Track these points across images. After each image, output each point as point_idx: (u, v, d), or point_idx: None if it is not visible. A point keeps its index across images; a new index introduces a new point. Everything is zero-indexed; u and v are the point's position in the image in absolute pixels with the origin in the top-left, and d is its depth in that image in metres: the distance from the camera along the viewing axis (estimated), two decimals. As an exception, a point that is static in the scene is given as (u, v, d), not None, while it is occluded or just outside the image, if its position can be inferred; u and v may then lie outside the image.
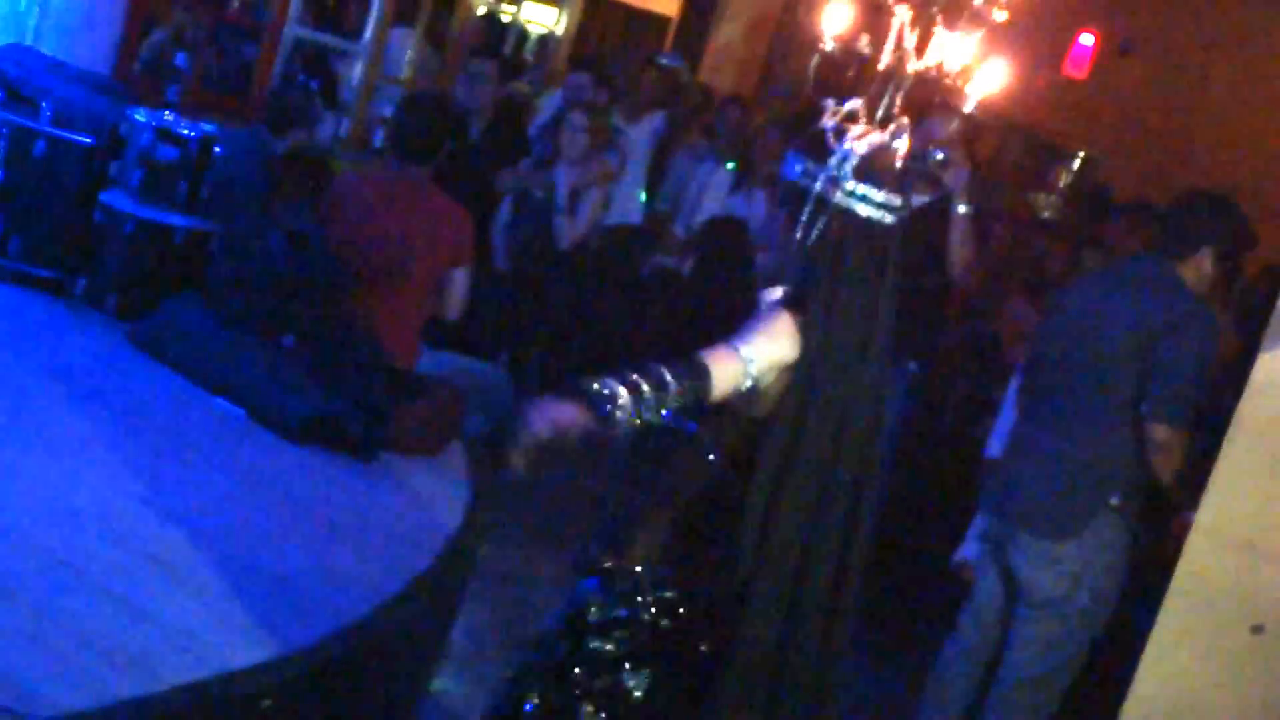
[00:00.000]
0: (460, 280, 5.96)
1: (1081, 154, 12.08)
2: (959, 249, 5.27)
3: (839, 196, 2.68)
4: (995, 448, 5.17)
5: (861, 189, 2.65)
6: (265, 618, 3.78)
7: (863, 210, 2.69)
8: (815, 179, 2.72)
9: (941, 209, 5.34)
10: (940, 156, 5.25)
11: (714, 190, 7.46)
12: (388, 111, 8.57)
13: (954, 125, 5.30)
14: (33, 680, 3.13)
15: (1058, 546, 4.70)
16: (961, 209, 5.30)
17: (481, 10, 9.06)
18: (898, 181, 2.78)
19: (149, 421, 5.05)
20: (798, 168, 2.76)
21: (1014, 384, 5.07)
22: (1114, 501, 4.67)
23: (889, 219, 2.70)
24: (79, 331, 5.86)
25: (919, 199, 5.21)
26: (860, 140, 2.78)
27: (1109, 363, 4.67)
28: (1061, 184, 11.55)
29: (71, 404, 4.96)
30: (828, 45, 2.97)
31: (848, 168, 2.67)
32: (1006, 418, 5.10)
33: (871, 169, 2.70)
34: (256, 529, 4.41)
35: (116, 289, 5.99)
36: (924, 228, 5.22)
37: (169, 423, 5.11)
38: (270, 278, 6.03)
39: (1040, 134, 11.62)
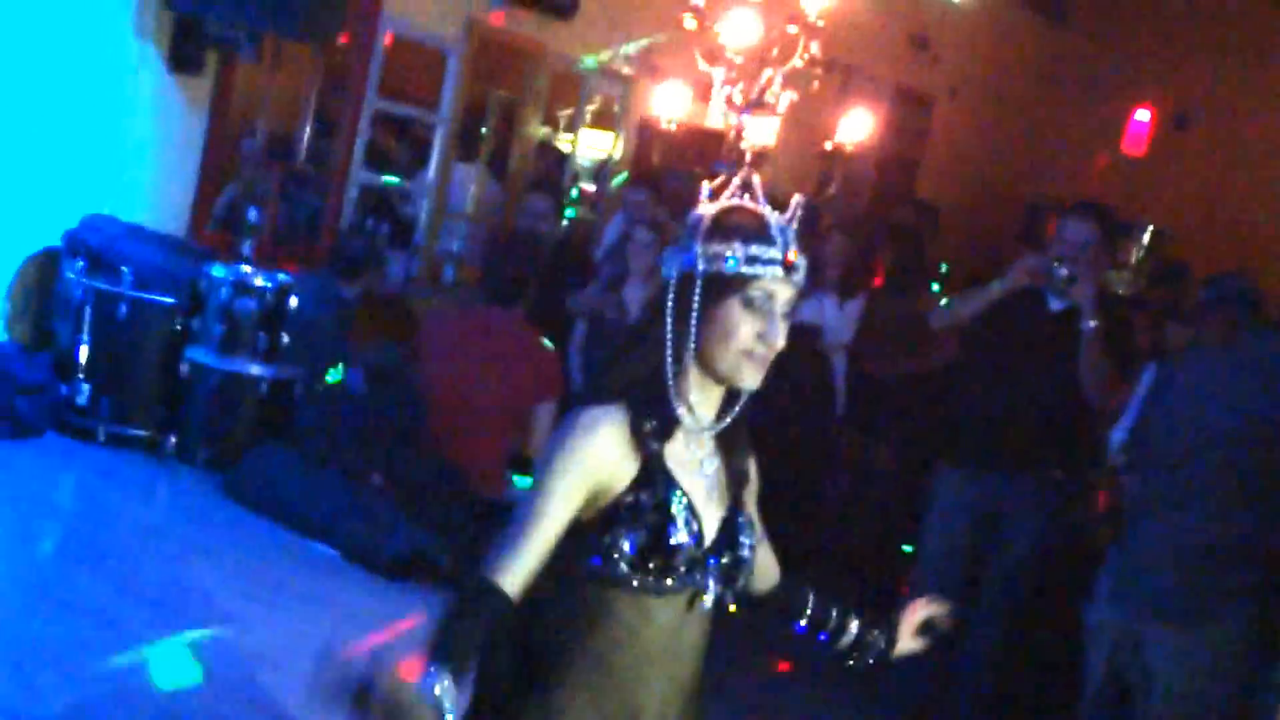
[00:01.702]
0: (545, 414, 5.97)
1: (1151, 227, 12.02)
2: (1089, 368, 5.00)
3: (701, 264, 2.26)
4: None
5: (717, 249, 2.25)
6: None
7: (729, 270, 2.25)
8: (672, 262, 2.32)
9: (1073, 319, 5.07)
10: (1064, 272, 4.98)
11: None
12: (455, 247, 8.73)
13: (1090, 231, 5.04)
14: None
15: (1189, 634, 4.51)
16: (1091, 324, 5.00)
17: (538, 142, 9.23)
18: (763, 232, 2.27)
19: (244, 569, 5.10)
20: (665, 263, 2.37)
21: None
22: (1247, 583, 4.48)
23: (765, 273, 2.27)
24: (172, 487, 5.96)
25: (1058, 304, 5.07)
26: (706, 206, 2.34)
27: (1235, 442, 4.52)
28: (1134, 259, 11.48)
29: (168, 558, 5.04)
30: (670, 127, 2.64)
31: (699, 231, 2.29)
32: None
33: (726, 226, 2.28)
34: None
35: (205, 442, 6.10)
36: (1059, 335, 5.06)
37: (264, 568, 5.16)
38: (353, 418, 6.12)
39: (1108, 209, 11.59)
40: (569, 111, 9.72)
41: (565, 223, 8.49)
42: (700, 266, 2.26)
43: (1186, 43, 12.56)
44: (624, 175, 9.36)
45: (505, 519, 2.25)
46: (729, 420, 2.37)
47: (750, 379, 2.31)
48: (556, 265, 7.40)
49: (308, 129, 7.86)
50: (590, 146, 9.99)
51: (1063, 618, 5.51)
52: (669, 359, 2.27)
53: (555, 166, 9.48)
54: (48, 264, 6.43)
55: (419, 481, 5.79)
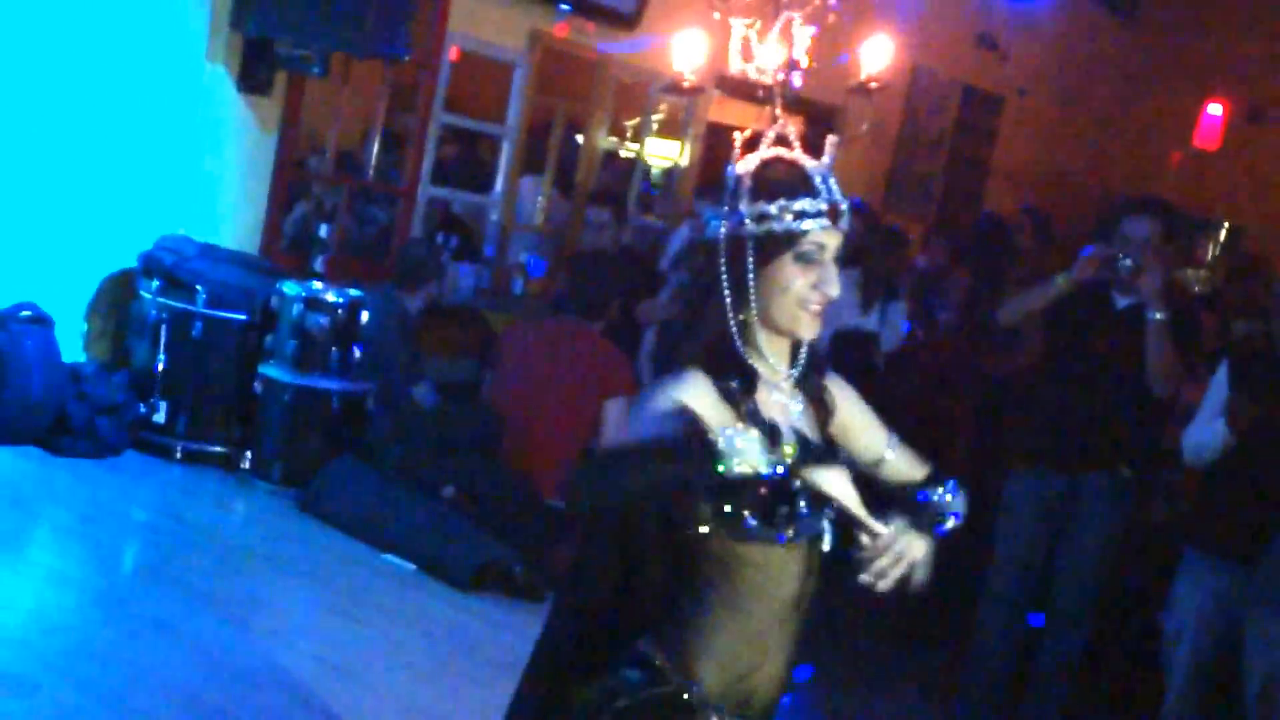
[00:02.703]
0: (616, 409, 5.91)
1: (1226, 224, 11.83)
2: (1155, 360, 4.95)
3: (749, 225, 2.26)
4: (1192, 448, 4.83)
5: (764, 208, 2.24)
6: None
7: (779, 227, 2.25)
8: (719, 224, 2.31)
9: (1139, 315, 5.03)
10: (1129, 263, 4.96)
11: (843, 302, 7.41)
12: (524, 258, 8.77)
13: (1150, 227, 5.03)
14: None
15: None
16: (1157, 316, 4.96)
17: (604, 153, 9.24)
18: (806, 185, 2.27)
19: (322, 583, 5.16)
20: (707, 226, 2.35)
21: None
22: None
23: (814, 226, 2.26)
24: (248, 503, 6.04)
25: (1124, 300, 5.02)
26: (743, 162, 2.32)
27: None
28: (1209, 257, 11.32)
29: (246, 573, 5.11)
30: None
31: (743, 191, 2.28)
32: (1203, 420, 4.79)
33: (768, 183, 2.27)
34: (434, 679, 4.46)
35: (281, 458, 6.18)
36: (1126, 332, 5.02)
37: (341, 581, 5.21)
38: (426, 431, 6.17)
39: (1180, 209, 11.43)
40: (635, 121, 9.73)
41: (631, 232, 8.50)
42: (749, 227, 2.27)
43: (1259, 35, 12.37)
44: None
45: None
46: (802, 366, 2.39)
47: (809, 329, 2.33)
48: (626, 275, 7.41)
49: (376, 145, 7.92)
50: (657, 155, 9.99)
51: (1138, 620, 5.45)
52: (732, 320, 2.29)
53: (620, 177, 9.49)
54: (124, 284, 6.54)
55: (492, 493, 5.82)
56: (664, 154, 9.96)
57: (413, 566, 5.40)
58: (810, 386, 2.42)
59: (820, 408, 2.43)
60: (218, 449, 6.31)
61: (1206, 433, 4.79)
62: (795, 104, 2.47)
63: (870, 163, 11.15)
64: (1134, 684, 5.49)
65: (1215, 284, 9.96)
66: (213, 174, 6.88)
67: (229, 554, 5.32)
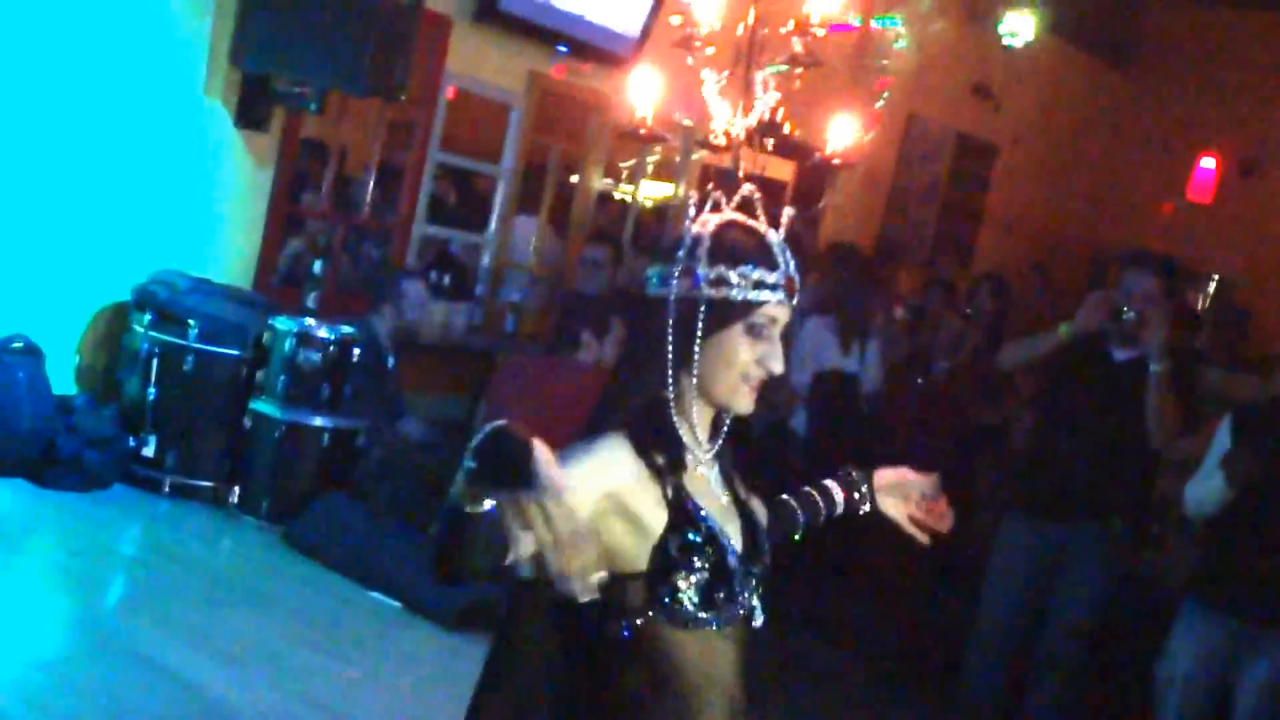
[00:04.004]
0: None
1: (1216, 277, 11.88)
2: (1157, 412, 4.95)
3: (705, 289, 2.18)
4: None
5: (721, 273, 2.17)
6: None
7: (737, 295, 2.18)
8: (671, 283, 2.21)
9: (1138, 368, 5.04)
10: (1133, 315, 4.96)
11: (823, 345, 7.44)
12: (516, 297, 8.77)
13: (1151, 281, 5.04)
14: None
15: None
16: (1158, 368, 4.96)
17: (598, 194, 9.28)
18: (766, 255, 2.20)
19: (307, 620, 5.13)
20: (656, 280, 2.25)
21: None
22: None
23: (770, 298, 2.20)
24: (236, 537, 6.01)
25: (1122, 355, 5.03)
26: (701, 222, 2.23)
27: None
28: (1199, 309, 11.35)
29: (232, 608, 5.08)
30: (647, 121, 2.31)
31: (700, 253, 2.20)
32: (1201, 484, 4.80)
33: (728, 247, 2.20)
34: (416, 718, 4.43)
35: (269, 493, 6.16)
36: (1124, 384, 5.03)
37: (327, 619, 5.19)
38: (415, 468, 6.15)
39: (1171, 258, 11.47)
40: (631, 163, 9.76)
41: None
42: (705, 291, 2.20)
43: (1252, 89, 12.46)
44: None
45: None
46: (722, 440, 2.32)
47: (745, 404, 2.25)
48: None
49: (371, 182, 7.94)
50: (651, 198, 10.02)
51: (1129, 671, 5.43)
52: (670, 387, 2.22)
53: (614, 218, 9.52)
54: (117, 317, 6.53)
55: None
56: (658, 196, 10.00)
57: (398, 604, 5.38)
58: (726, 458, 2.36)
59: (732, 476, 2.37)
60: (206, 483, 6.29)
61: (1207, 487, 4.80)
62: (786, 150, 2.45)
63: (864, 208, 11.20)
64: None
65: (1205, 337, 9.98)
66: (208, 208, 6.89)
67: (215, 589, 5.29)
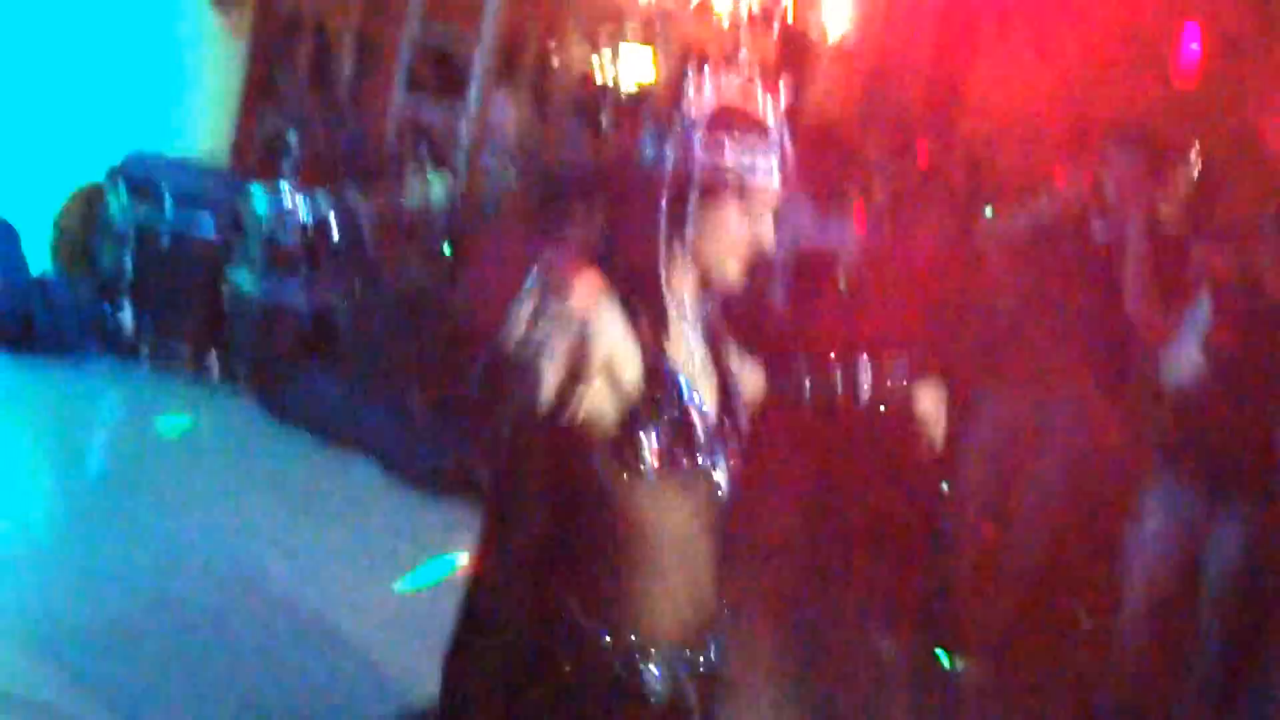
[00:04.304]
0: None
1: (1199, 163, 11.82)
2: (1135, 289, 4.96)
3: (701, 158, 2.19)
4: None
5: (716, 147, 2.19)
6: (410, 669, 3.83)
7: (731, 170, 2.19)
8: (667, 151, 2.22)
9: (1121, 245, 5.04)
10: (1113, 191, 4.96)
11: (789, 217, 7.38)
12: (493, 172, 8.69)
13: (1135, 158, 5.02)
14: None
15: None
16: (1134, 245, 4.95)
17: (579, 69, 9.17)
18: (763, 129, 2.22)
19: (286, 485, 5.16)
20: (650, 147, 2.29)
21: None
22: None
23: (765, 175, 2.22)
24: (215, 407, 6.02)
25: (1104, 235, 5.03)
26: (702, 93, 2.24)
27: None
28: (1181, 185, 11.31)
29: (211, 474, 5.10)
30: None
31: (699, 123, 2.21)
32: None
33: (727, 122, 2.21)
34: (394, 578, 4.48)
35: (247, 364, 6.17)
36: (1107, 262, 5.05)
37: (307, 485, 5.22)
38: (392, 337, 6.17)
39: (1153, 145, 11.41)
40: (610, 29, 9.61)
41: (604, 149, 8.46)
42: (701, 163, 2.21)
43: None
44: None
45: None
46: (713, 306, 2.35)
47: (733, 274, 2.28)
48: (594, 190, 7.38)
49: (348, 56, 7.84)
50: (631, 67, 9.89)
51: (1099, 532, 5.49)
52: (663, 254, 2.23)
53: (594, 94, 9.42)
54: (94, 195, 6.49)
55: (459, 399, 5.82)
56: (639, 64, 9.87)
57: (378, 472, 5.41)
58: (714, 322, 2.39)
59: (719, 340, 2.40)
60: (185, 354, 6.30)
61: (1184, 358, 4.83)
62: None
63: (843, 88, 11.11)
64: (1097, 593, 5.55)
65: (1186, 216, 9.98)
66: (183, 86, 6.81)
67: (195, 458, 5.31)
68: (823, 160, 7.54)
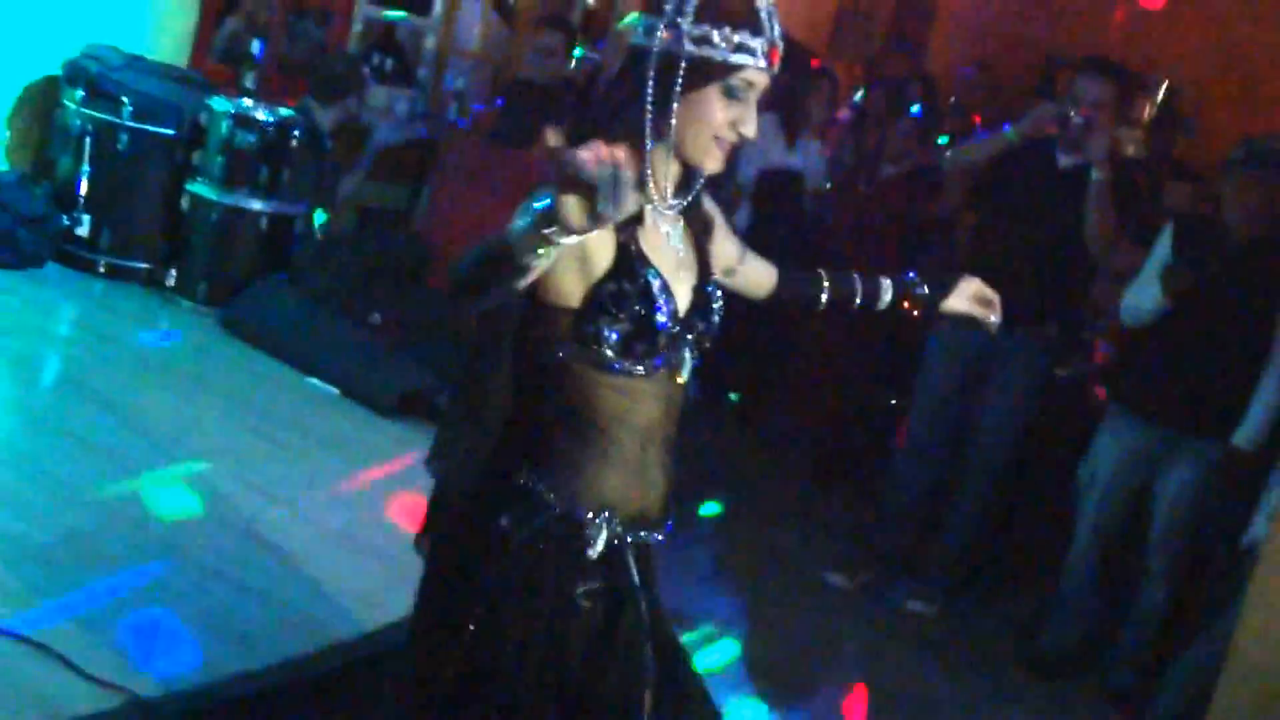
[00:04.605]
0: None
1: (1165, 83, 11.79)
2: (1095, 220, 4.97)
3: (687, 46, 2.17)
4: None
5: (705, 32, 2.16)
6: (367, 588, 3.85)
7: (717, 56, 2.16)
8: (655, 35, 2.19)
9: (1081, 175, 5.03)
10: (1080, 121, 4.95)
11: (769, 141, 7.36)
12: (460, 84, 8.61)
13: (1104, 88, 5.02)
14: (140, 657, 3.22)
15: None
16: (1100, 177, 4.97)
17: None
18: (753, 19, 2.19)
19: (244, 403, 5.14)
20: (641, 29, 2.24)
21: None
22: None
23: (751, 63, 2.19)
24: (172, 320, 5.98)
25: (1066, 161, 5.02)
26: None
27: None
28: (1145, 117, 11.30)
29: (166, 389, 5.08)
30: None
31: (687, 9, 2.17)
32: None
33: (715, 6, 2.18)
34: (354, 503, 4.49)
35: (206, 276, 6.11)
36: (1067, 191, 5.03)
37: (264, 403, 5.20)
38: (354, 256, 6.12)
39: (1124, 67, 11.37)
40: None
41: (574, 62, 8.36)
42: (687, 48, 2.19)
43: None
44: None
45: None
46: (694, 195, 2.37)
47: (714, 163, 2.28)
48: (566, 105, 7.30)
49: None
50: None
51: (1053, 474, 5.57)
52: (648, 140, 2.23)
53: (565, 3, 9.31)
54: (48, 92, 6.37)
55: (419, 320, 5.80)
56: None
57: (336, 391, 5.40)
58: (696, 214, 2.41)
59: (701, 230, 2.43)
60: (142, 265, 6.24)
61: (1144, 295, 4.86)
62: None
63: (816, 5, 11.01)
64: (1046, 535, 5.63)
65: (1150, 146, 9.98)
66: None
67: (150, 371, 5.29)
68: (793, 79, 7.53)
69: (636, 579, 2.31)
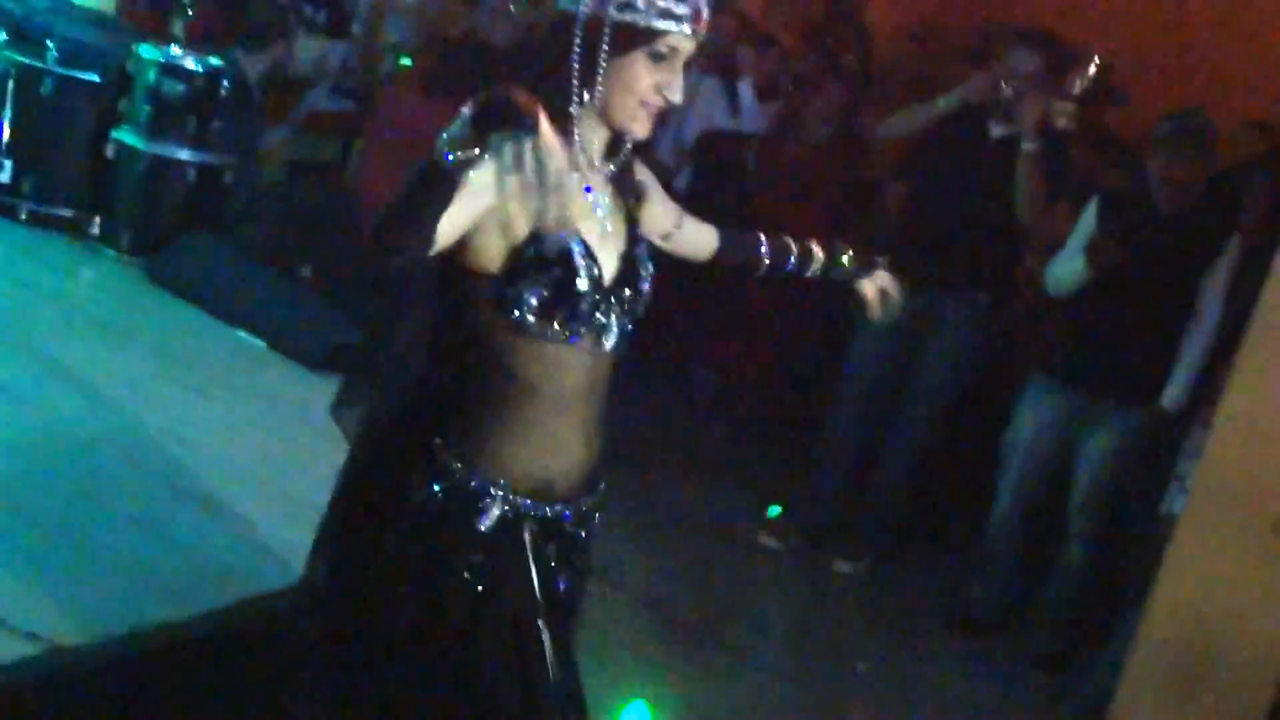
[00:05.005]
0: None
1: (1096, 57, 11.87)
2: (1024, 190, 5.01)
3: (612, 11, 2.15)
4: None
5: None
6: (292, 539, 3.81)
7: (641, 21, 2.15)
8: (581, 1, 2.18)
9: (1013, 145, 5.07)
10: (1011, 93, 4.99)
11: (702, 101, 7.37)
12: (395, 38, 8.50)
13: (1036, 59, 5.07)
14: (61, 606, 3.18)
15: None
16: (1030, 147, 5.01)
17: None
18: None
19: (168, 355, 5.09)
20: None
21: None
22: None
23: (675, 29, 2.18)
24: (96, 269, 5.89)
25: (998, 131, 5.05)
26: None
27: None
28: (1077, 90, 11.38)
29: (90, 340, 5.01)
30: None
31: None
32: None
33: None
34: (280, 456, 4.45)
35: (131, 226, 6.02)
36: (998, 160, 5.07)
37: (190, 355, 5.15)
38: (284, 209, 6.05)
39: (1057, 39, 11.43)
40: None
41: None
42: (611, 13, 2.18)
43: None
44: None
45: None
46: (622, 161, 2.35)
47: (641, 129, 2.27)
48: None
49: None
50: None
51: (980, 437, 5.61)
52: (575, 105, 2.22)
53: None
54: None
55: (350, 274, 5.75)
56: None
57: (263, 344, 5.35)
58: (626, 180, 2.38)
59: (630, 196, 2.40)
60: (65, 213, 6.13)
61: (1069, 267, 4.91)
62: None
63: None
64: (974, 497, 5.68)
65: (1081, 120, 10.05)
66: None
67: (75, 321, 5.21)
68: (731, 43, 7.53)
69: (531, 560, 2.28)
